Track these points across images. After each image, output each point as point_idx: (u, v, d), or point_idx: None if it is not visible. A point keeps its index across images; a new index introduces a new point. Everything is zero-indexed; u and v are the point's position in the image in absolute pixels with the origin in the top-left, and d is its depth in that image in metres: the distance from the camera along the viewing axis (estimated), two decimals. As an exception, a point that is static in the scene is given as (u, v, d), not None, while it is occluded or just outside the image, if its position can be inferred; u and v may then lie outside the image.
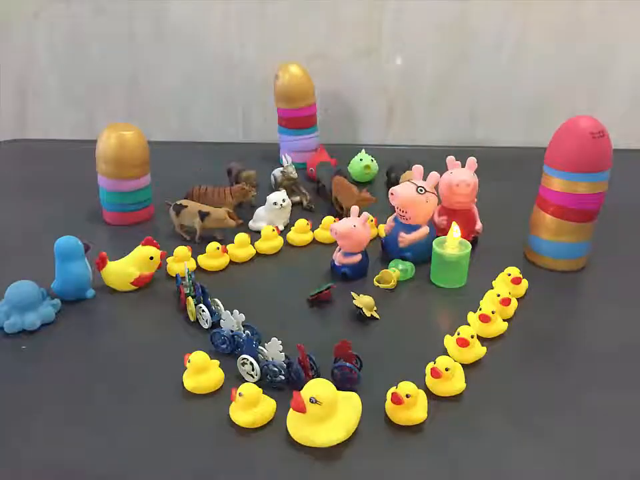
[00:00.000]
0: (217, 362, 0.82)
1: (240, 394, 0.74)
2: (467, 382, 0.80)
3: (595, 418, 0.76)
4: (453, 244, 1.02)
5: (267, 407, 0.75)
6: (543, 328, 0.94)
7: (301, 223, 1.19)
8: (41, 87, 1.79)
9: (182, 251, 1.08)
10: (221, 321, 0.89)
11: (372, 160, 1.45)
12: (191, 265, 1.07)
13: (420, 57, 1.67)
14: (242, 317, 0.87)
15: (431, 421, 0.75)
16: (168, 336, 0.93)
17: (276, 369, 0.79)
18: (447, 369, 0.77)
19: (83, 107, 1.81)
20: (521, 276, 1.00)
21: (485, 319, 0.89)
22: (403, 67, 1.69)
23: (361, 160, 1.42)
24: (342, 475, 0.68)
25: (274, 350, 0.80)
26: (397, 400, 0.72)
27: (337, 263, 1.06)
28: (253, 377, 0.81)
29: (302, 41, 1.67)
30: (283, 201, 1.23)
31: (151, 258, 1.02)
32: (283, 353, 0.80)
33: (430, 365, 0.79)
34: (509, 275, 1.00)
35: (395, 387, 0.74)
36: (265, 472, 0.69)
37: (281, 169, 1.37)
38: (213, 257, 1.10)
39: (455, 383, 0.79)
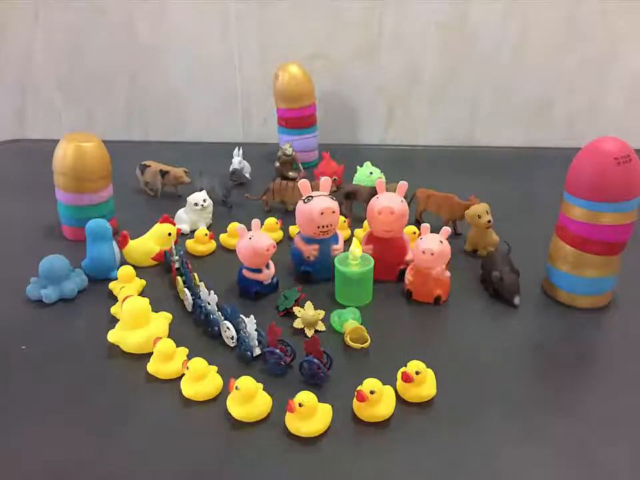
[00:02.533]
0: (215, 367, 0.83)
1: (237, 387, 0.75)
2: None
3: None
4: (355, 260, 0.97)
5: (262, 402, 0.76)
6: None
7: (270, 221, 1.19)
8: (41, 86, 1.79)
9: (271, 221, 1.19)
10: (201, 294, 0.94)
11: (380, 171, 1.39)
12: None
13: (420, 56, 1.67)
14: (215, 298, 0.91)
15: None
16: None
17: (247, 341, 0.85)
18: (417, 372, 0.76)
19: (83, 107, 1.81)
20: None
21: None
22: (403, 67, 1.69)
23: (371, 173, 1.35)
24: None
25: (250, 325, 0.85)
26: (361, 397, 0.73)
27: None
28: (232, 341, 0.88)
29: (302, 41, 1.67)
30: (204, 201, 1.22)
31: (169, 234, 1.11)
32: (256, 331, 0.86)
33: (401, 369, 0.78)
34: (414, 233, 0.97)
35: (360, 385, 0.75)
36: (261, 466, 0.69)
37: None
38: (200, 243, 1.16)
39: (424, 389, 0.77)
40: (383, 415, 0.74)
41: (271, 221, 1.19)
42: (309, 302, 0.94)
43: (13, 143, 1.80)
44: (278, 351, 0.82)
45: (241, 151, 1.45)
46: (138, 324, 0.88)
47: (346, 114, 1.76)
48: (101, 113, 1.81)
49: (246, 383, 0.75)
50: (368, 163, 1.38)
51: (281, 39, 1.68)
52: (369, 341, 0.89)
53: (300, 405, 0.72)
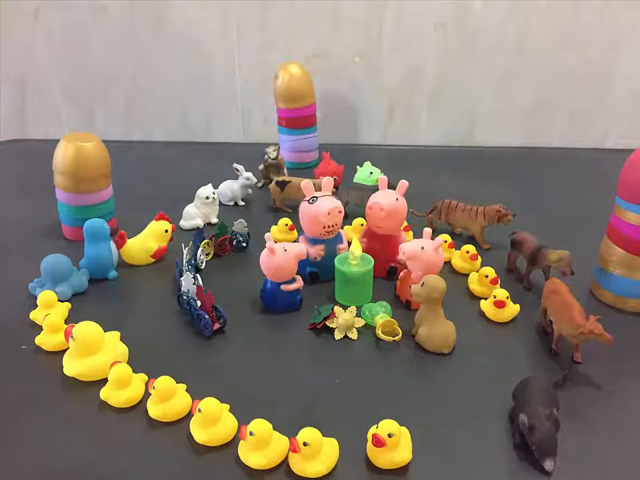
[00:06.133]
0: (183, 386, 0.79)
1: (199, 409, 0.72)
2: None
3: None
4: (355, 260, 0.97)
5: (226, 425, 0.72)
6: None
7: (284, 221, 1.21)
8: (41, 86, 1.79)
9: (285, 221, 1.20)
10: (183, 285, 0.97)
11: (380, 171, 1.38)
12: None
13: (420, 56, 1.67)
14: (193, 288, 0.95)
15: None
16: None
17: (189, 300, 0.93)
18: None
19: (83, 107, 1.81)
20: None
21: (499, 304, 0.92)
22: (403, 67, 1.69)
23: (371, 173, 1.35)
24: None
25: (187, 281, 0.94)
26: (378, 442, 0.66)
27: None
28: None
29: (302, 41, 1.67)
30: (213, 193, 1.25)
31: (166, 231, 1.11)
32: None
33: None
34: (467, 252, 1.07)
35: (376, 427, 0.69)
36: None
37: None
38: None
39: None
40: (402, 461, 0.68)
41: (286, 221, 1.20)
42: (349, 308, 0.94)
43: (13, 142, 1.80)
44: (207, 317, 0.89)
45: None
46: (93, 350, 0.83)
47: (346, 114, 1.76)
48: (101, 113, 1.81)
49: (209, 405, 0.72)
50: (368, 163, 1.38)
51: (281, 38, 1.68)
52: (401, 333, 0.89)
53: (305, 444, 0.67)
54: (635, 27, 1.58)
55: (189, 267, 1.04)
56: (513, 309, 0.94)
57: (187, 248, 1.06)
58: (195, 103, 1.78)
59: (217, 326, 0.91)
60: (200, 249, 1.08)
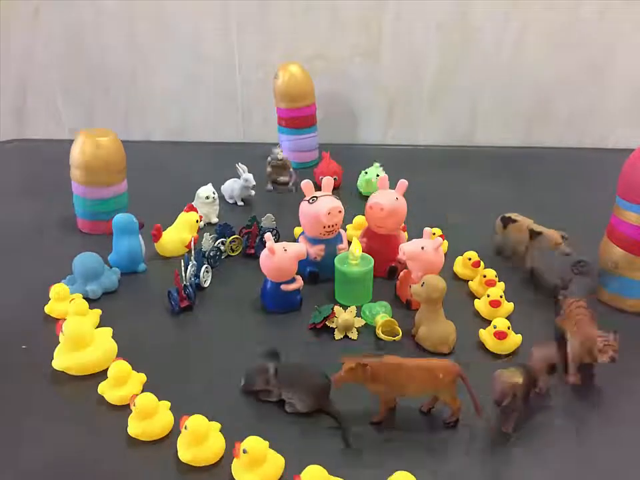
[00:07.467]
0: (167, 403, 0.76)
1: (185, 427, 0.68)
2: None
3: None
4: (355, 260, 0.97)
5: (214, 445, 0.69)
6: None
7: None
8: (41, 86, 1.79)
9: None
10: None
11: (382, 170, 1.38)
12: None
13: (420, 56, 1.67)
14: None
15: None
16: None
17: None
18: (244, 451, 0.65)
19: (83, 107, 1.81)
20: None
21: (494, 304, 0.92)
22: (403, 67, 1.69)
23: (377, 176, 1.34)
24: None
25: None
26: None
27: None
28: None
29: (302, 41, 1.67)
30: (214, 193, 1.26)
31: (197, 221, 1.16)
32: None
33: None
34: (469, 259, 1.03)
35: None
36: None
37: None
38: None
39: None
40: None
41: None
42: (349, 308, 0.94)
43: (12, 142, 1.80)
44: (176, 293, 0.95)
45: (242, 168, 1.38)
46: (82, 345, 0.84)
47: (346, 114, 1.75)
48: (101, 113, 1.81)
49: (195, 422, 0.68)
50: (376, 165, 1.39)
51: (281, 39, 1.68)
52: (400, 333, 0.90)
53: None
54: (634, 27, 1.58)
55: (210, 258, 1.07)
56: (515, 340, 0.89)
57: (207, 239, 1.08)
58: (195, 103, 1.78)
59: (184, 303, 0.96)
60: (204, 267, 1.05)
